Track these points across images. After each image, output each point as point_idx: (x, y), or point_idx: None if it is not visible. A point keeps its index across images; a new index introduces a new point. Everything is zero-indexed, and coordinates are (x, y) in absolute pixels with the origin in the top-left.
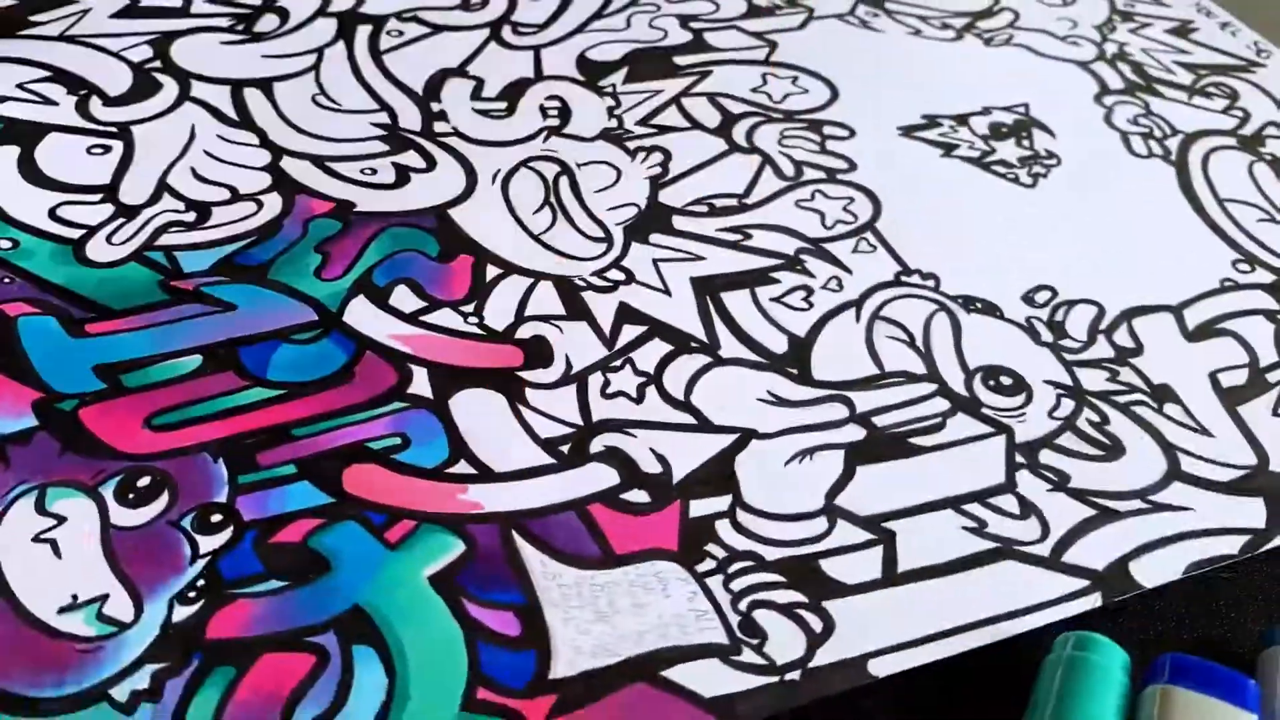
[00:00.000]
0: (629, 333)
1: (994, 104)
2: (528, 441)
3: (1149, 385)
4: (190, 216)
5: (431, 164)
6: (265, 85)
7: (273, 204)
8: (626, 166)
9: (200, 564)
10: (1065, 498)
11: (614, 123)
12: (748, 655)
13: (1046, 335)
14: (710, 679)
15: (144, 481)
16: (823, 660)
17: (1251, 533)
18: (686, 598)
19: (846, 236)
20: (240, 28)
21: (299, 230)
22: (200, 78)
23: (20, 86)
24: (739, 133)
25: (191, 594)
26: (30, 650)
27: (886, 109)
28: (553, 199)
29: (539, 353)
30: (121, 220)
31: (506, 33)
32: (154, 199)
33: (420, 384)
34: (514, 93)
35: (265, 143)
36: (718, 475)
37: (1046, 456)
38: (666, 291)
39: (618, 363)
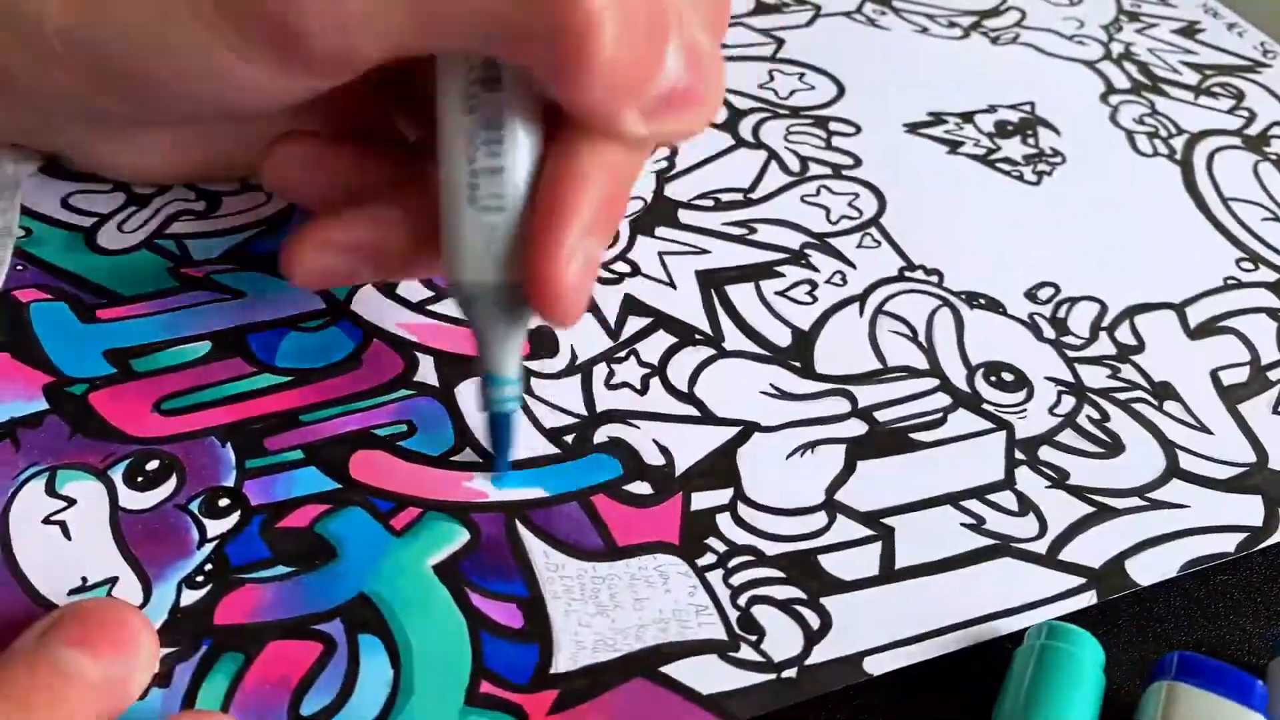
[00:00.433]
0: (634, 324)
1: (1000, 102)
2: (532, 431)
3: (1150, 382)
4: (200, 206)
5: None
6: None
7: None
8: None
9: (208, 548)
10: (1064, 494)
11: None
12: (746, 652)
13: (1049, 332)
14: (708, 676)
15: (153, 465)
16: (819, 658)
17: (1248, 530)
18: (687, 592)
19: (851, 232)
20: None
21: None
22: None
23: None
24: (745, 128)
25: (199, 578)
26: None
27: (892, 106)
28: None
29: (545, 343)
30: (133, 209)
31: None
32: (165, 189)
33: (426, 372)
34: None
35: None
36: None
37: (1046, 453)
38: (672, 284)
39: (623, 354)
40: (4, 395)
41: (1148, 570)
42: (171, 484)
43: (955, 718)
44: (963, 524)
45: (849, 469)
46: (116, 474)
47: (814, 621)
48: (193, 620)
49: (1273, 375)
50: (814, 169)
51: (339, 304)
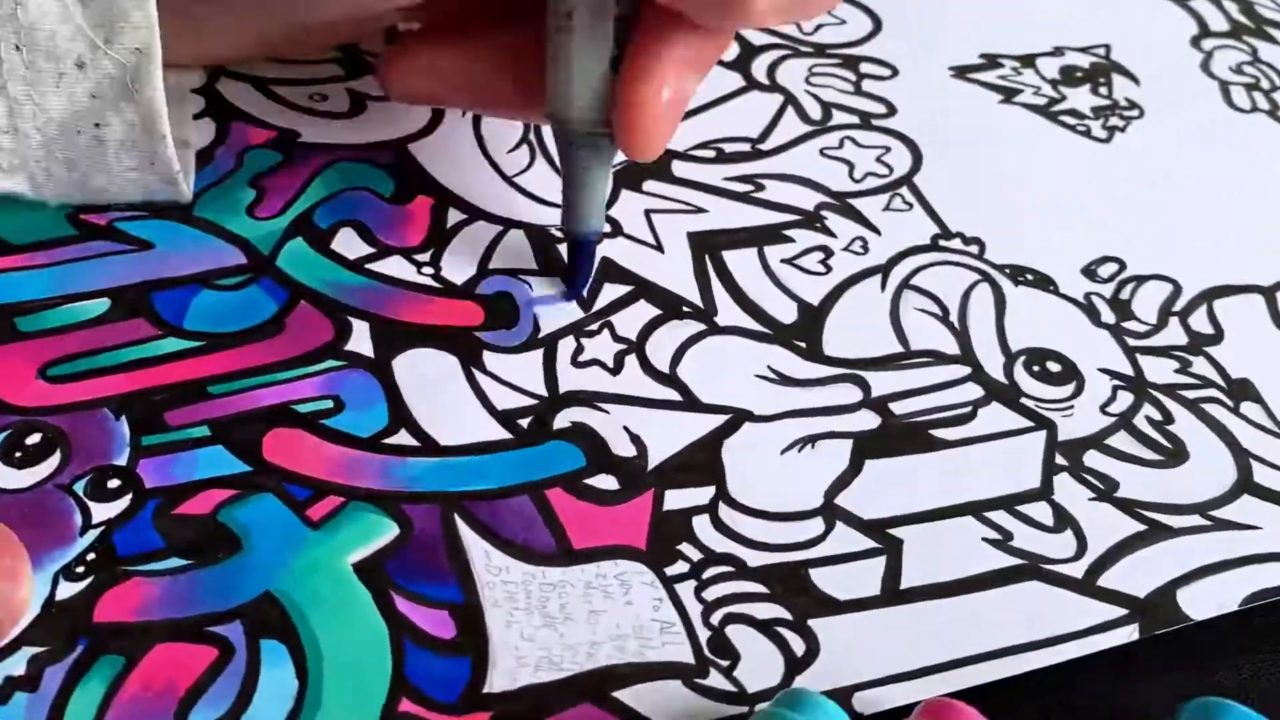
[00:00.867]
0: (610, 293)
1: (1068, 44)
2: (481, 412)
3: (1225, 380)
4: None
5: None
6: None
7: (204, 131)
8: None
9: (92, 535)
10: (1110, 509)
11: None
12: (715, 679)
13: (1108, 315)
14: (668, 704)
15: (34, 439)
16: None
17: None
18: (651, 606)
19: (878, 192)
20: None
21: (232, 161)
22: None
23: None
24: (759, 67)
25: (80, 569)
26: None
27: (938, 46)
28: (532, 136)
29: (502, 311)
30: None
31: None
32: None
33: (360, 340)
34: None
35: None
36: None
37: (1093, 459)
38: (658, 247)
39: (594, 326)
40: None
41: (1203, 602)
42: (54, 461)
43: None
44: (986, 539)
45: (855, 469)
46: None
47: (798, 647)
48: (69, 617)
49: None
50: (838, 117)
51: (262, 259)
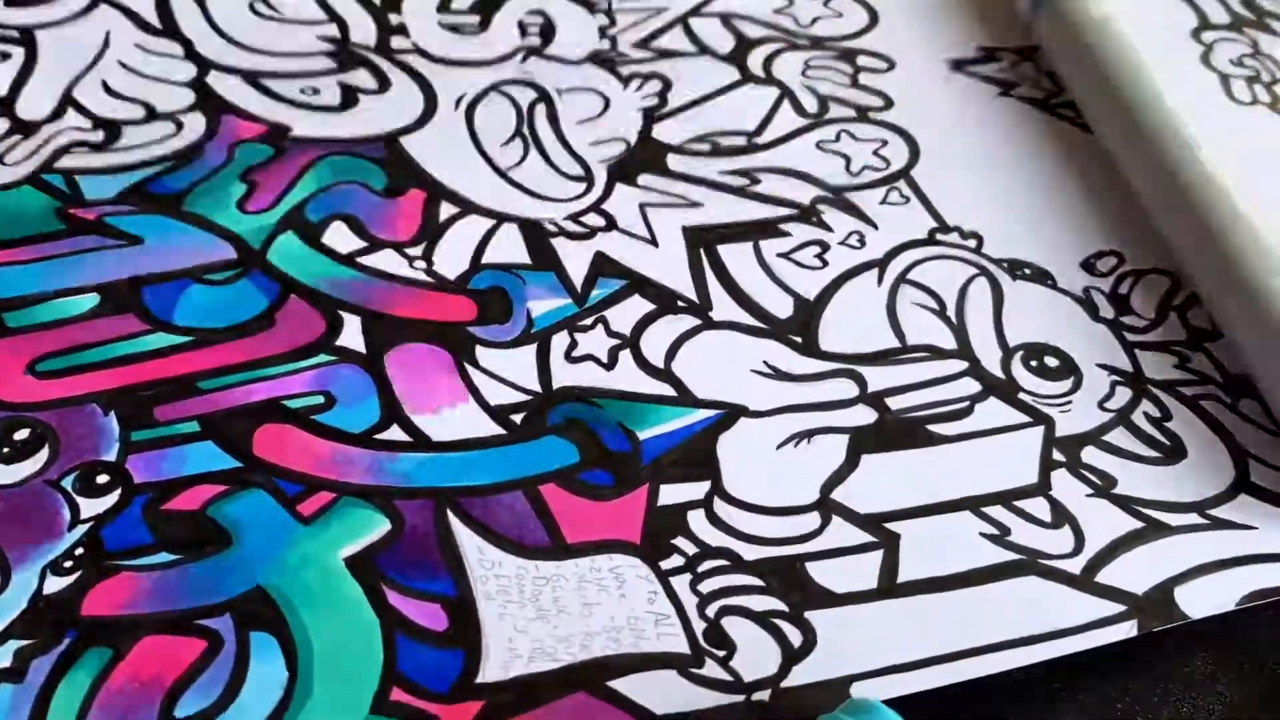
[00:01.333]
0: (604, 288)
1: None
2: (474, 408)
3: (1224, 376)
4: (97, 136)
5: (385, 85)
6: None
7: (194, 125)
8: (617, 95)
9: (80, 530)
10: (1108, 505)
11: (606, 44)
12: (711, 669)
13: (1107, 310)
14: (664, 694)
15: (22, 434)
16: (798, 680)
17: None
18: (646, 599)
19: (875, 185)
20: None
21: (223, 156)
22: None
23: None
24: (755, 60)
25: (68, 564)
26: None
27: (936, 38)
28: (525, 130)
29: (495, 306)
30: (17, 138)
31: None
32: (56, 115)
33: (352, 335)
34: (489, 6)
35: (191, 54)
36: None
37: (1091, 455)
38: (653, 241)
39: (588, 321)
40: None
41: (1201, 601)
42: (43, 456)
43: None
44: (983, 534)
45: (851, 463)
46: None
47: (795, 639)
48: (56, 610)
49: None
50: (835, 110)
51: (253, 253)
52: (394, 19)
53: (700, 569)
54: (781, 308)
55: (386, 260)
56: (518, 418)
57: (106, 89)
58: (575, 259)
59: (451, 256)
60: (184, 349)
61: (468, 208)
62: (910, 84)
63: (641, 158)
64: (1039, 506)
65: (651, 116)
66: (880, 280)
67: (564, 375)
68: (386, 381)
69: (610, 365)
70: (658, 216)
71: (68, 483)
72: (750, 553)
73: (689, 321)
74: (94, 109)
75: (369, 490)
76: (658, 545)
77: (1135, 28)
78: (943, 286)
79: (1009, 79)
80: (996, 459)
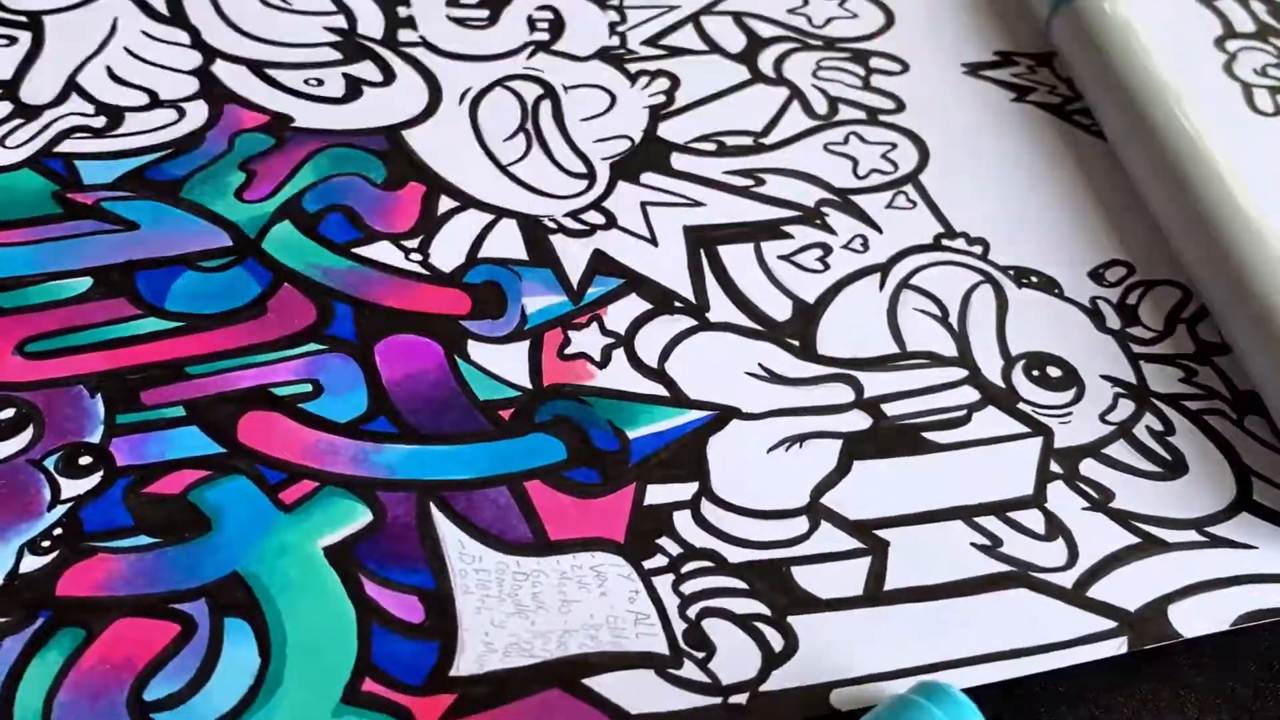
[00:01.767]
0: (601, 285)
1: None
2: (463, 401)
3: (1232, 391)
4: (99, 122)
5: (390, 77)
6: None
7: (197, 113)
8: (624, 92)
9: (60, 510)
10: (1104, 519)
11: (615, 40)
12: (689, 670)
13: (1113, 321)
14: (640, 693)
15: (7, 413)
16: (777, 684)
17: None
18: (627, 598)
19: (881, 189)
20: None
21: (223, 144)
22: None
23: None
24: (765, 60)
25: (45, 543)
26: None
27: (951, 41)
28: (529, 125)
29: (489, 300)
30: (19, 121)
31: None
32: (59, 100)
33: (343, 324)
34: (499, 1)
35: (197, 42)
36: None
37: (1089, 468)
38: (653, 240)
39: (583, 319)
40: None
41: (1195, 619)
42: (27, 436)
43: None
44: (974, 544)
45: (843, 469)
46: None
47: (776, 643)
48: (31, 589)
49: None
50: (845, 112)
51: (248, 241)
52: (402, 11)
53: (684, 570)
54: (780, 310)
55: (382, 251)
56: (506, 413)
57: (111, 75)
58: (573, 256)
59: (448, 249)
60: (174, 334)
61: (467, 201)
62: (923, 87)
63: (646, 155)
64: (1033, 518)
65: (658, 114)
66: (882, 285)
67: (555, 372)
68: (375, 372)
69: (603, 364)
70: (659, 215)
71: (50, 463)
72: (735, 555)
73: (685, 322)
74: (97, 95)
75: (352, 481)
76: (642, 545)
77: (1156, 33)
78: (946, 293)
79: (1024, 84)
80: (992, 469)
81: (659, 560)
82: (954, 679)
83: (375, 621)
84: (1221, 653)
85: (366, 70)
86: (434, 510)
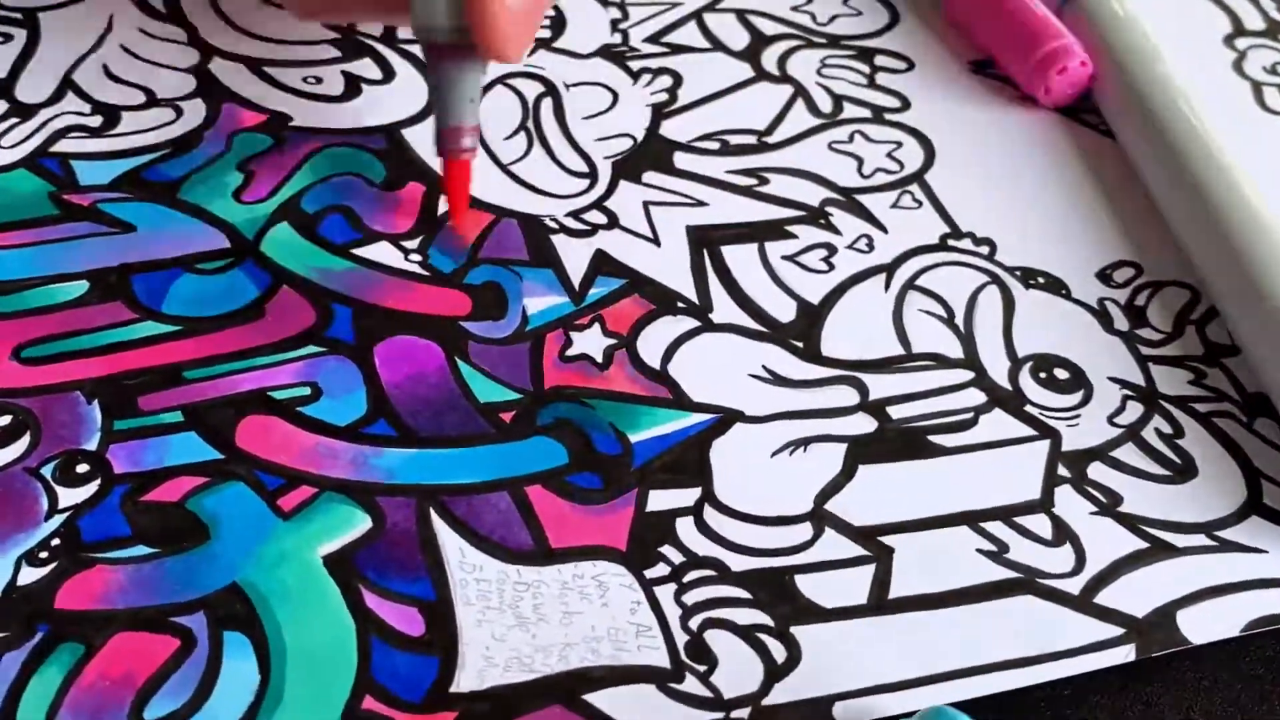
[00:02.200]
0: (603, 286)
1: None
2: (464, 403)
3: (1242, 394)
4: (95, 121)
5: (389, 75)
6: None
7: (194, 112)
8: (625, 90)
9: (57, 520)
10: (1112, 524)
11: (618, 38)
12: (690, 684)
13: (1121, 322)
14: (640, 708)
15: (4, 420)
16: (780, 698)
17: None
18: (628, 609)
19: (887, 188)
20: None
21: (222, 144)
22: None
23: None
24: (769, 58)
25: (43, 554)
26: None
27: (957, 39)
28: (530, 124)
29: (490, 301)
30: (14, 120)
31: None
32: (55, 98)
33: (342, 327)
34: None
35: (194, 40)
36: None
37: (1097, 471)
38: (655, 240)
39: (585, 320)
40: None
41: (1204, 626)
42: (23, 443)
43: None
44: (980, 550)
45: (847, 473)
46: None
47: (779, 654)
48: (29, 602)
49: None
50: (849, 110)
51: (246, 243)
52: None
53: (686, 579)
54: (784, 311)
55: (382, 252)
56: (508, 416)
57: (107, 73)
58: (575, 256)
59: (448, 250)
60: (172, 338)
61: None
62: (929, 85)
63: (648, 154)
64: (1040, 523)
65: (660, 112)
66: (888, 286)
67: (557, 374)
68: (375, 374)
69: (605, 365)
70: (662, 215)
71: (48, 471)
72: (738, 563)
73: (688, 323)
74: (93, 93)
75: (351, 485)
76: (644, 553)
77: (1165, 30)
78: (952, 294)
79: None
80: (998, 473)
81: (661, 569)
82: (959, 689)
83: (375, 634)
84: (1228, 656)
85: (366, 68)
86: (434, 516)
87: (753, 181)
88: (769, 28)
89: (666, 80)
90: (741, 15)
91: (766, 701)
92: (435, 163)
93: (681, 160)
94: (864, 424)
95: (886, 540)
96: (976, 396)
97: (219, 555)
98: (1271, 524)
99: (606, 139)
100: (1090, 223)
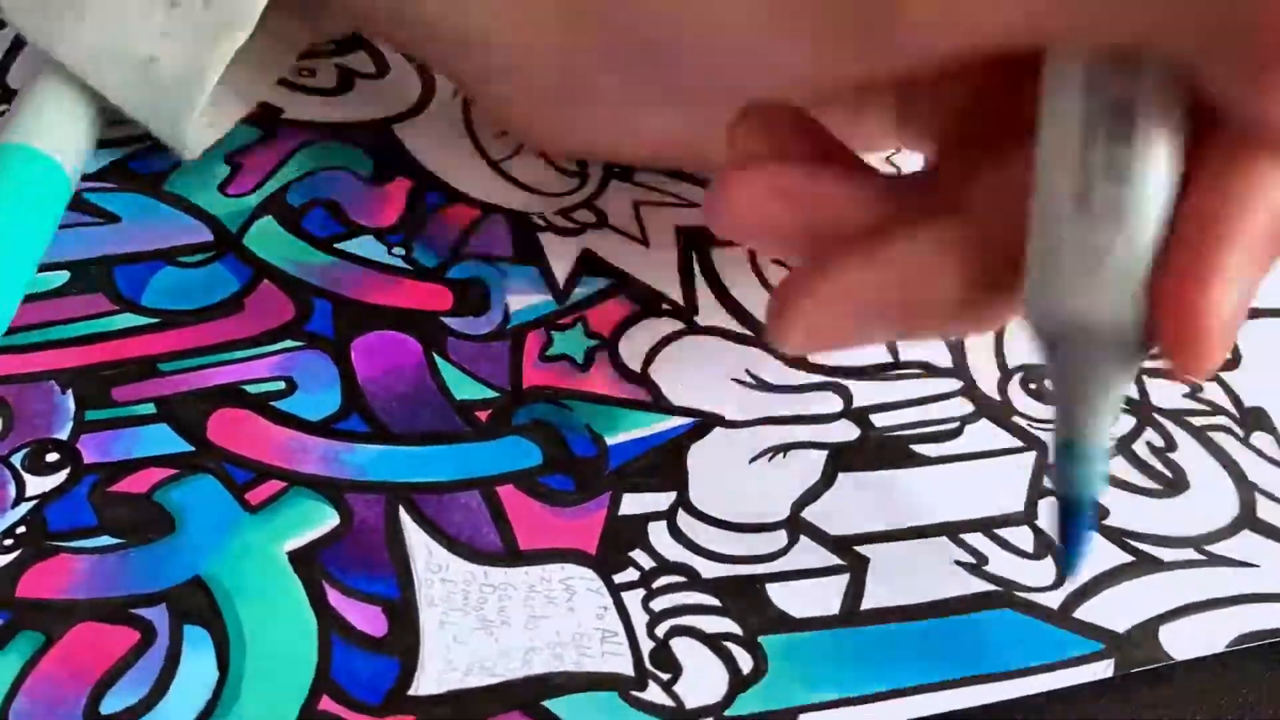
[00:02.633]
0: (588, 286)
1: None
2: (439, 400)
3: (1238, 407)
4: None
5: (384, 69)
6: None
7: None
8: None
9: (24, 508)
10: (1097, 537)
11: None
12: (653, 692)
13: None
14: (601, 716)
15: None
16: (744, 709)
17: None
18: (595, 614)
19: None
20: None
21: None
22: None
23: None
24: None
25: (8, 541)
26: None
27: None
28: None
29: (472, 297)
30: (3, 107)
31: None
32: None
33: (321, 321)
34: None
35: None
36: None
37: None
38: (644, 241)
39: (568, 320)
40: None
41: (1187, 641)
42: None
43: None
44: (958, 562)
45: (826, 481)
46: None
47: (745, 664)
48: None
49: None
50: None
51: (229, 236)
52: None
53: (655, 585)
54: None
55: (365, 246)
56: (483, 414)
57: None
58: (561, 254)
59: (432, 245)
60: (149, 330)
61: (454, 196)
62: None
63: None
64: (1022, 536)
65: None
66: None
67: (536, 374)
68: (351, 369)
69: (585, 366)
70: (652, 215)
71: (17, 459)
72: (709, 570)
73: (672, 325)
74: None
75: (321, 481)
76: (614, 557)
77: None
78: None
79: None
80: (982, 484)
81: (630, 574)
82: (929, 703)
83: (336, 634)
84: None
85: (360, 61)
86: (403, 514)
87: None
88: None
89: None
90: None
91: (730, 712)
92: (425, 158)
93: None
94: (846, 431)
95: (862, 550)
96: (963, 406)
97: (183, 548)
98: (1264, 538)
99: None
100: None
